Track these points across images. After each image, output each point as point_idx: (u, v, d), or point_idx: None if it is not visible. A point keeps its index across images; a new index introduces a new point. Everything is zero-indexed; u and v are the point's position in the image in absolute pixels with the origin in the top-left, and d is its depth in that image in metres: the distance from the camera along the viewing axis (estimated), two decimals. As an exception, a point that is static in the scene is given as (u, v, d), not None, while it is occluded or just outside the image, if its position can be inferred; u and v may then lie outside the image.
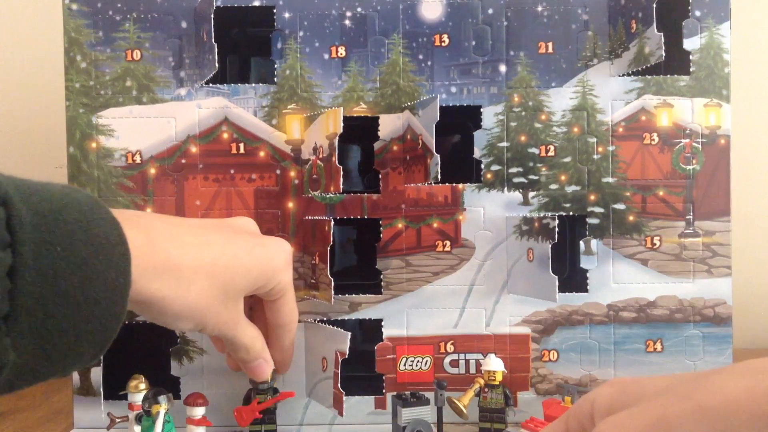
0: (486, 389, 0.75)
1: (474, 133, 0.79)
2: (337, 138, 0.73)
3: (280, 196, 0.79)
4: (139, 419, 0.70)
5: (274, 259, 0.66)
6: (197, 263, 0.56)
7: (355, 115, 0.79)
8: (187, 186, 0.79)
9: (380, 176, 0.79)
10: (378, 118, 0.79)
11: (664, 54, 0.73)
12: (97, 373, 0.79)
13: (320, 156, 0.77)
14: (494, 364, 0.75)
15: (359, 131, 0.78)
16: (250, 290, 0.64)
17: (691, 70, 0.79)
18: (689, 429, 0.28)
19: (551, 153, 0.79)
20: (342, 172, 0.73)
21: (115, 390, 0.78)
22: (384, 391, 0.79)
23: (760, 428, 0.27)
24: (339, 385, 0.73)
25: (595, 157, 0.79)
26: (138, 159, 0.79)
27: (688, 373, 0.33)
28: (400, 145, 0.79)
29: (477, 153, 0.79)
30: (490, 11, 0.79)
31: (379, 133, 0.79)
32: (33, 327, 0.35)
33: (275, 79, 0.79)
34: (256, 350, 0.68)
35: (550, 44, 0.79)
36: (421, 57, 0.79)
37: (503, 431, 0.74)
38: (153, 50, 0.79)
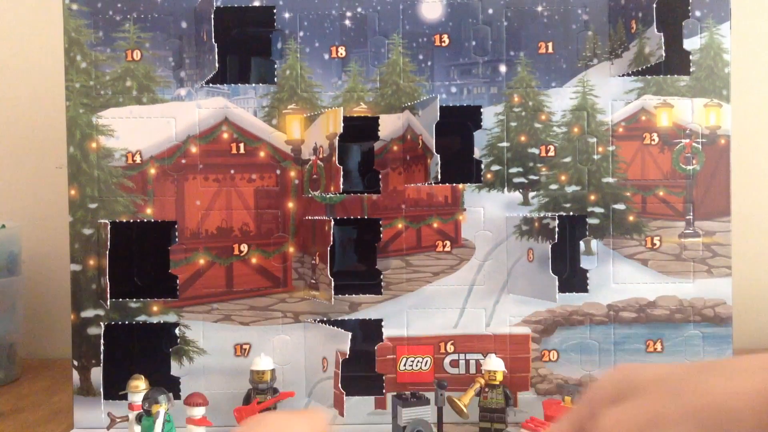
0: (486, 389, 0.75)
1: (474, 133, 0.79)
2: (337, 138, 0.73)
3: (280, 196, 0.79)
4: (139, 419, 0.70)
5: None
6: None
7: (355, 115, 0.78)
8: (187, 186, 0.79)
9: (380, 176, 0.79)
10: (378, 118, 0.79)
11: (664, 54, 0.73)
12: (97, 373, 0.79)
13: (320, 156, 0.77)
14: (494, 364, 0.75)
15: (359, 131, 0.78)
16: None
17: (691, 70, 0.79)
18: (683, 429, 0.28)
19: (551, 153, 0.79)
20: (342, 172, 0.73)
21: (115, 390, 0.77)
22: (384, 391, 0.79)
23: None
24: (339, 385, 0.73)
25: (595, 157, 0.79)
26: (138, 159, 0.79)
27: (690, 364, 0.33)
28: (400, 145, 0.79)
29: (477, 153, 0.79)
30: (490, 11, 0.79)
31: (379, 133, 0.79)
32: None
33: (275, 79, 0.79)
34: None
35: (550, 44, 0.79)
36: (421, 57, 0.79)
37: (503, 431, 0.74)
38: (153, 50, 0.79)
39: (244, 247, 0.79)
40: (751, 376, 0.29)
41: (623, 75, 0.79)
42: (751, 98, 1.15)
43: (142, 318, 0.78)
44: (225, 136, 0.79)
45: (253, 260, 0.79)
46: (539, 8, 0.79)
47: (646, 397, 0.31)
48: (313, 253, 0.78)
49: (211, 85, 0.79)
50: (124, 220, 0.78)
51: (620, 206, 0.79)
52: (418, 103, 0.78)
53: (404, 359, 0.79)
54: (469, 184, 0.79)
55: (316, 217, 0.78)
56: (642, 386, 0.31)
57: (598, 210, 0.79)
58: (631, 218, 0.79)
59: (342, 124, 0.72)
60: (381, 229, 0.79)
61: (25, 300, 1.05)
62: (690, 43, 0.79)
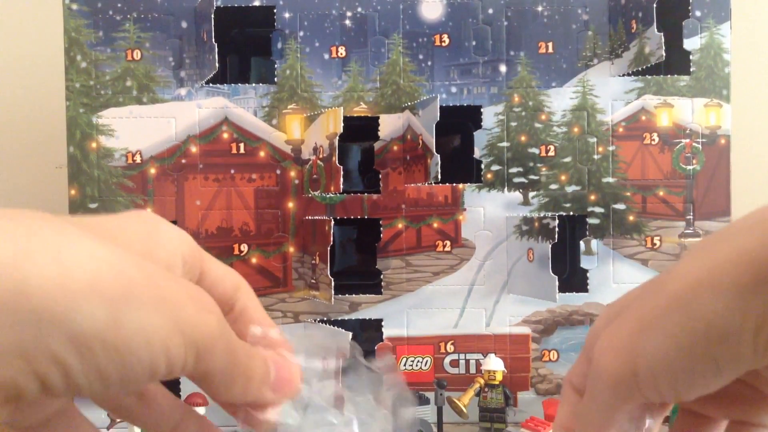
0: (486, 389, 0.75)
1: (474, 133, 0.79)
2: (337, 138, 0.73)
3: (280, 196, 0.79)
4: (139, 419, 0.70)
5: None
6: None
7: (355, 115, 0.78)
8: (187, 186, 0.79)
9: (380, 176, 0.79)
10: (378, 118, 0.79)
11: (664, 54, 0.73)
12: (97, 373, 0.79)
13: (320, 156, 0.77)
14: (494, 364, 0.75)
15: (359, 131, 0.78)
16: None
17: (691, 70, 0.79)
18: (667, 321, 0.28)
19: (551, 153, 0.79)
20: (342, 172, 0.73)
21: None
22: (384, 391, 0.79)
23: (726, 302, 0.26)
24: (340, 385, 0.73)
25: (595, 157, 0.79)
26: (138, 159, 0.79)
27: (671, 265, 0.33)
28: (400, 145, 0.79)
29: (477, 153, 0.79)
30: (490, 11, 0.79)
31: (379, 133, 0.79)
32: None
33: (275, 79, 0.79)
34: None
35: (550, 44, 0.79)
36: (421, 57, 0.79)
37: (503, 431, 0.74)
38: (153, 50, 0.79)
39: (244, 247, 0.79)
40: (732, 240, 0.27)
41: (623, 75, 0.79)
42: (751, 98, 1.15)
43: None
44: (225, 136, 0.79)
45: (253, 260, 0.79)
46: (539, 8, 0.79)
47: (631, 308, 0.30)
48: (313, 253, 0.78)
49: (211, 85, 0.79)
50: (124, 220, 0.78)
51: (620, 206, 0.79)
52: (418, 103, 0.78)
53: (404, 359, 0.79)
54: (469, 184, 0.79)
55: (316, 217, 0.78)
56: (628, 303, 0.31)
57: (598, 210, 0.79)
58: (631, 218, 0.79)
59: (342, 124, 0.72)
60: (381, 229, 0.79)
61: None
62: (690, 43, 0.79)
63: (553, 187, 0.79)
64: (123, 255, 0.26)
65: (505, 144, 0.79)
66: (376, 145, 0.79)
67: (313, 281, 0.79)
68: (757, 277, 0.26)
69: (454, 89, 0.79)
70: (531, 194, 0.79)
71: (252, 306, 0.34)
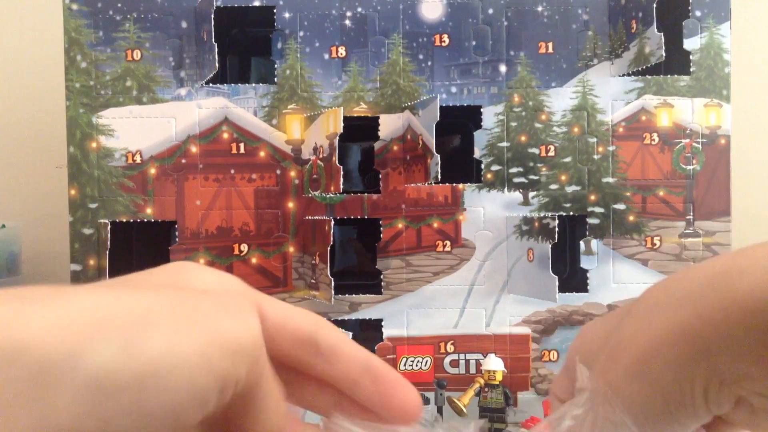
0: (486, 389, 0.75)
1: (474, 133, 0.79)
2: (337, 138, 0.73)
3: (280, 196, 0.79)
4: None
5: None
6: None
7: (355, 115, 0.79)
8: (187, 186, 0.79)
9: (380, 176, 0.79)
10: (378, 118, 0.79)
11: (664, 54, 0.73)
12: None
13: (320, 156, 0.77)
14: (494, 364, 0.75)
15: (359, 131, 0.78)
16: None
17: (691, 70, 0.79)
18: (630, 389, 0.31)
19: (551, 153, 0.79)
20: (342, 172, 0.73)
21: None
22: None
23: (674, 374, 0.29)
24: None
25: (595, 157, 0.79)
26: (138, 159, 0.79)
27: (622, 309, 0.36)
28: (400, 145, 0.79)
29: (477, 153, 0.79)
30: (490, 11, 0.79)
31: (379, 133, 0.79)
32: None
33: (275, 79, 0.79)
34: None
35: (550, 44, 0.79)
36: (421, 57, 0.79)
37: (503, 431, 0.74)
38: (153, 50, 0.79)
39: (244, 247, 0.79)
40: (669, 312, 0.31)
41: (623, 75, 0.79)
42: (751, 98, 1.15)
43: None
44: (225, 136, 0.79)
45: (253, 260, 0.79)
46: (539, 8, 0.79)
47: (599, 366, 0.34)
48: (313, 253, 0.78)
49: (211, 85, 0.79)
50: (124, 220, 0.78)
51: (620, 206, 0.79)
52: (418, 103, 0.78)
53: (404, 359, 0.79)
54: (469, 184, 0.79)
55: (316, 217, 0.78)
56: (598, 347, 0.35)
57: (598, 210, 0.79)
58: (631, 218, 0.79)
59: (342, 124, 0.72)
60: (381, 229, 0.79)
61: (25, 300, 1.05)
62: (690, 43, 0.79)
63: (553, 187, 0.79)
64: (136, 291, 0.23)
65: (505, 144, 0.79)
66: (376, 145, 0.79)
67: (313, 281, 0.79)
68: (695, 349, 0.29)
69: (454, 89, 0.79)
70: (531, 194, 0.79)
71: (341, 339, 0.28)
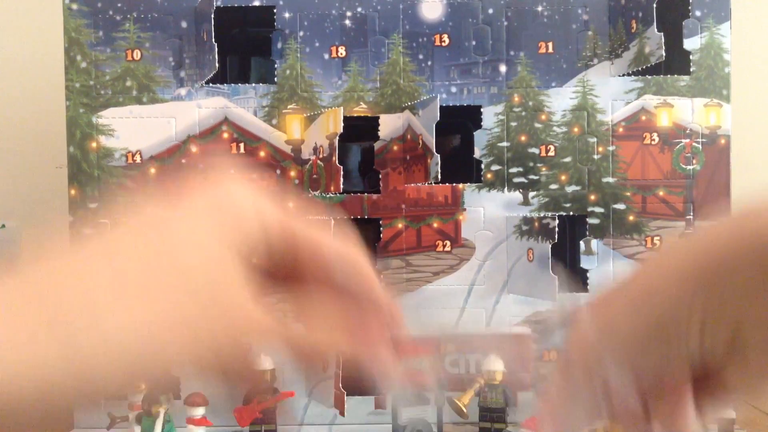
0: (486, 389, 0.75)
1: (474, 133, 0.79)
2: (337, 138, 0.73)
3: (279, 196, 0.79)
4: (139, 419, 0.70)
5: None
6: None
7: (355, 115, 0.78)
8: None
9: (380, 176, 0.79)
10: (378, 118, 0.79)
11: (664, 54, 0.73)
12: (97, 373, 0.78)
13: (320, 156, 0.77)
14: (494, 364, 0.75)
15: (359, 131, 0.78)
16: None
17: (691, 70, 0.79)
18: (625, 327, 0.33)
19: (551, 153, 0.79)
20: (342, 172, 0.73)
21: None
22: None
23: (673, 301, 0.31)
24: (340, 385, 0.73)
25: (595, 157, 0.79)
26: (138, 159, 0.79)
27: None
28: (400, 145, 0.79)
29: (477, 153, 0.79)
30: (490, 11, 0.79)
31: (379, 133, 0.79)
32: None
33: (275, 79, 0.79)
34: None
35: (550, 44, 0.79)
36: (421, 57, 0.79)
37: (503, 431, 0.74)
38: (153, 50, 0.79)
39: (244, 247, 0.79)
40: (681, 253, 0.32)
41: (623, 75, 0.79)
42: (751, 98, 1.15)
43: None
44: (225, 135, 0.79)
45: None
46: (539, 8, 0.79)
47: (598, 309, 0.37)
48: (313, 253, 0.78)
49: (211, 85, 0.79)
50: (124, 220, 0.78)
51: (620, 206, 0.79)
52: (418, 102, 0.78)
53: (404, 359, 0.79)
54: (469, 184, 0.79)
55: (316, 217, 0.78)
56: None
57: (598, 210, 0.79)
58: (631, 218, 0.79)
59: (342, 124, 0.72)
60: (381, 229, 0.79)
61: (25, 300, 1.05)
62: (690, 43, 0.79)
63: (553, 187, 0.79)
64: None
65: (505, 144, 0.79)
66: (376, 145, 0.79)
67: (313, 281, 0.79)
68: (698, 283, 0.30)
69: (454, 89, 0.79)
70: (531, 194, 0.79)
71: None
